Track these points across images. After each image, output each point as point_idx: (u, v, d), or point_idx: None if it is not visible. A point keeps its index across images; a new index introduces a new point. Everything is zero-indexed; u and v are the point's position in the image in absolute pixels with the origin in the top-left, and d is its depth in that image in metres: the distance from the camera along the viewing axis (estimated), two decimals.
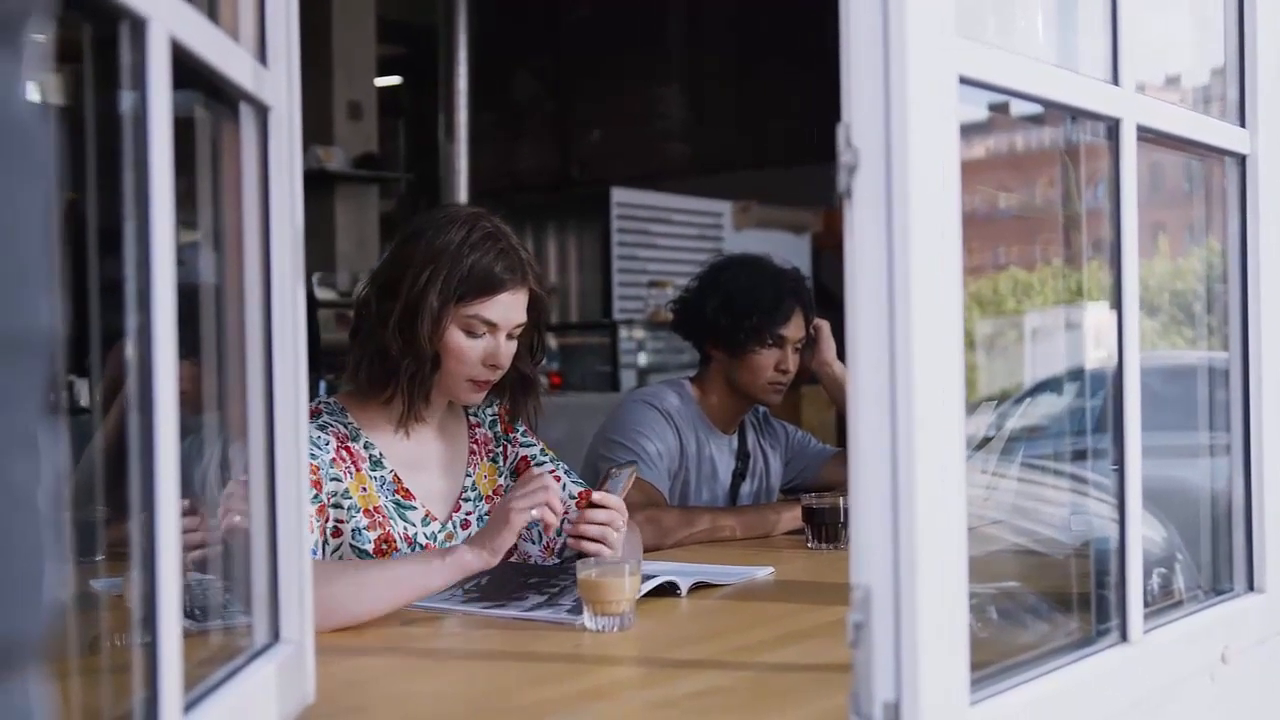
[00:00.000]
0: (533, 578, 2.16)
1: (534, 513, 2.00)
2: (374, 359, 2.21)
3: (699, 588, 2.19)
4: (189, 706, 1.07)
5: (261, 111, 1.34)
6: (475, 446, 2.39)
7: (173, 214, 1.02)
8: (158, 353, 0.99)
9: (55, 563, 0.59)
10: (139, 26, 0.99)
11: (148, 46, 0.99)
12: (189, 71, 1.10)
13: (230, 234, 1.34)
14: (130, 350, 1.00)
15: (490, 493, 2.38)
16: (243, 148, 1.34)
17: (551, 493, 2.02)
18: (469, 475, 2.36)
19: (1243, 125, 1.80)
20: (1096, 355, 1.90)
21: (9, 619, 0.56)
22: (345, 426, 2.23)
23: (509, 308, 2.22)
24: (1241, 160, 1.80)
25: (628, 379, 7.43)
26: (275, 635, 1.36)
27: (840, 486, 2.96)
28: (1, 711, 0.56)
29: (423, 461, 2.31)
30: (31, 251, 0.56)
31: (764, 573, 2.35)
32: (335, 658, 1.70)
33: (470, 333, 2.21)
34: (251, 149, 1.34)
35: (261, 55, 1.34)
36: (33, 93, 0.60)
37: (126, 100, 1.00)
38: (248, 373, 1.34)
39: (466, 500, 2.35)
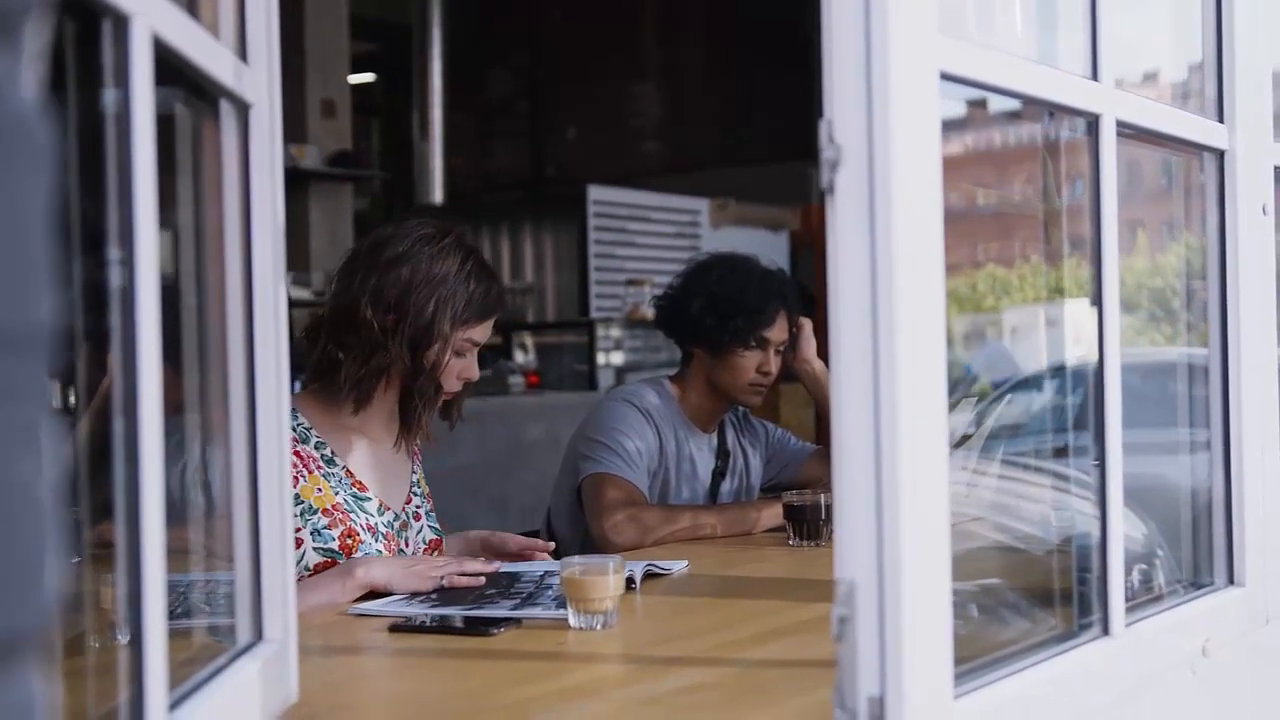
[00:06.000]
0: (490, 586, 2.14)
1: (444, 581, 2.13)
2: (375, 376, 2.26)
3: (649, 578, 2.23)
4: (173, 705, 1.07)
5: (243, 109, 1.33)
6: (415, 448, 2.48)
7: (156, 213, 1.01)
8: (141, 354, 0.99)
9: (57, 557, 0.59)
10: (121, 23, 0.98)
11: (130, 43, 0.99)
12: (169, 68, 1.09)
13: (210, 233, 1.33)
14: (113, 351, 0.99)
15: (426, 492, 2.49)
16: (223, 145, 1.33)
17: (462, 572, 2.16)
18: (414, 473, 2.46)
19: (1221, 120, 1.81)
20: (1076, 352, 1.91)
21: (12, 613, 0.56)
22: (294, 429, 2.24)
23: (490, 328, 2.35)
24: (1220, 155, 1.81)
25: (605, 378, 7.42)
26: (259, 634, 1.35)
27: (820, 484, 2.96)
28: (5, 705, 0.56)
29: (373, 459, 2.36)
30: (34, 246, 0.56)
31: (679, 566, 2.37)
32: (318, 657, 1.69)
33: (459, 354, 2.30)
34: (232, 147, 1.33)
35: (242, 52, 1.33)
36: (31, 89, 0.60)
37: (109, 97, 0.99)
38: (229, 373, 1.34)
39: (416, 495, 2.44)
